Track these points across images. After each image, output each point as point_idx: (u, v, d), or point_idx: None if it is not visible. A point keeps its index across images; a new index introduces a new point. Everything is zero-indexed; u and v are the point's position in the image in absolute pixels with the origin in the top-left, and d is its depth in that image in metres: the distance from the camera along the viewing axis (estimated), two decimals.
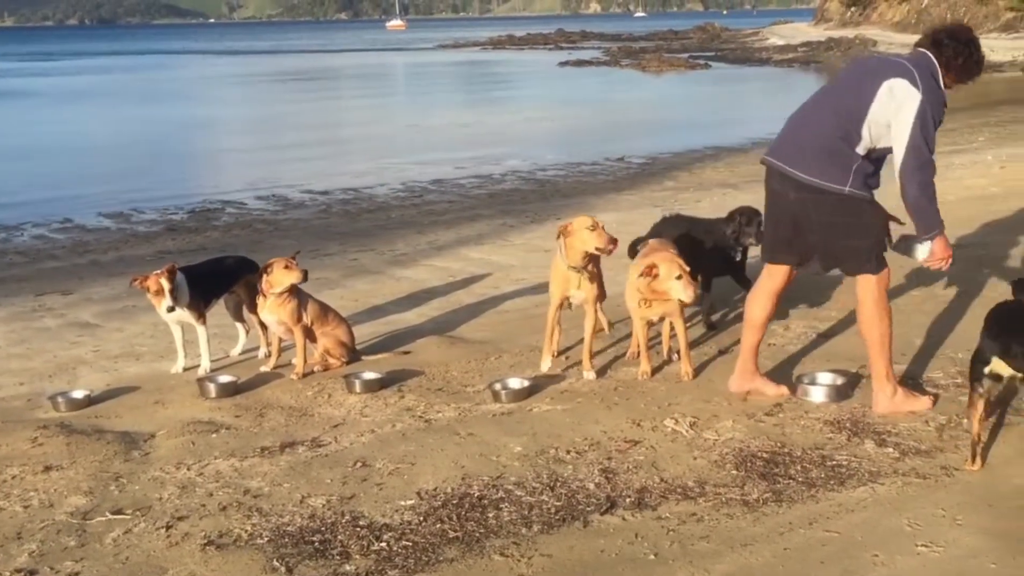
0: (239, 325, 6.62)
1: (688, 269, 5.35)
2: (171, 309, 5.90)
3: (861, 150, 4.80)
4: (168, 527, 4.05)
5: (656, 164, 17.46)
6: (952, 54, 4.85)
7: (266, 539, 3.92)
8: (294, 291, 5.96)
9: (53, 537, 4.01)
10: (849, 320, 6.22)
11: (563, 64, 49.41)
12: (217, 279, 6.33)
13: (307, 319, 6.01)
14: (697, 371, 5.63)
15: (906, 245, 4.89)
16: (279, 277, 5.87)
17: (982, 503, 3.93)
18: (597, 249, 5.49)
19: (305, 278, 5.91)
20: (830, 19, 73.56)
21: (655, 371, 5.68)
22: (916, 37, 5.19)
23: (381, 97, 38.27)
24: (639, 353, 5.72)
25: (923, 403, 4.98)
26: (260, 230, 12.44)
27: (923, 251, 4.80)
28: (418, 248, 10.51)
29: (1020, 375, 4.09)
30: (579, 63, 49.74)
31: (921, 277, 7.11)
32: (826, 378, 5.33)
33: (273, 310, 5.93)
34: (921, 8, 57.25)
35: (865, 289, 4.95)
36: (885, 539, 3.69)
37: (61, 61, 69.30)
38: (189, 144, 23.97)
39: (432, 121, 27.45)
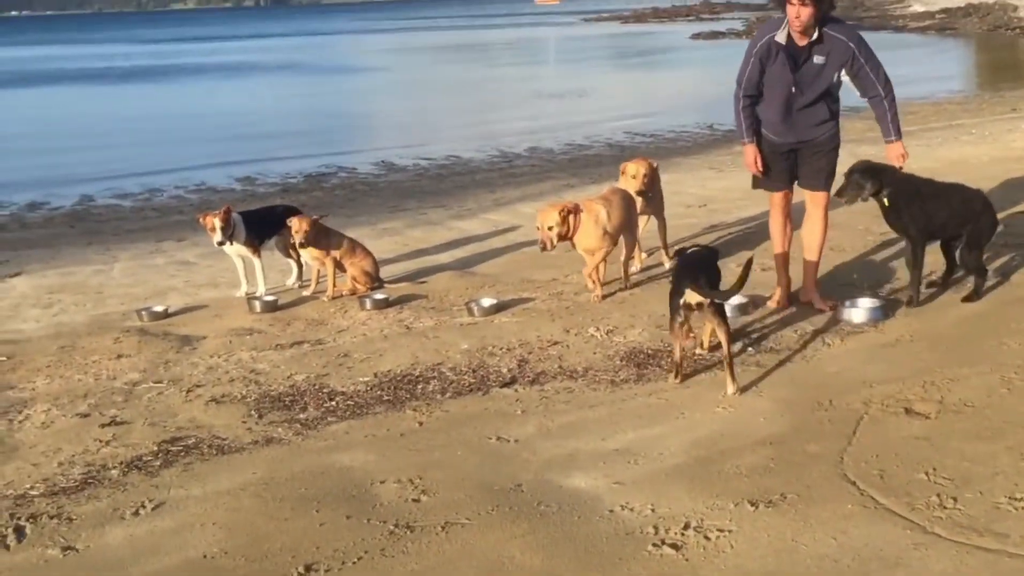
0: (291, 260, 8.08)
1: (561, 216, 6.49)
2: (221, 243, 7.39)
3: None
4: (188, 391, 5.53)
5: None
6: None
7: (253, 399, 5.35)
8: (323, 231, 7.38)
9: (108, 396, 5.55)
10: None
11: (695, 36, 49.52)
12: (267, 221, 7.79)
13: (336, 253, 7.42)
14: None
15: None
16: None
17: (790, 383, 4.97)
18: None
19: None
20: None
21: (605, 296, 6.82)
22: None
23: (511, 67, 39.65)
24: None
25: (826, 306, 6.13)
26: (358, 191, 13.99)
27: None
28: (483, 204, 11.82)
29: (707, 301, 4.89)
30: (712, 35, 49.63)
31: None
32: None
33: (306, 247, 7.36)
34: None
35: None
36: (697, 404, 4.81)
37: (242, 41, 73.19)
38: (340, 112, 25.72)
39: (548, 89, 28.64)
